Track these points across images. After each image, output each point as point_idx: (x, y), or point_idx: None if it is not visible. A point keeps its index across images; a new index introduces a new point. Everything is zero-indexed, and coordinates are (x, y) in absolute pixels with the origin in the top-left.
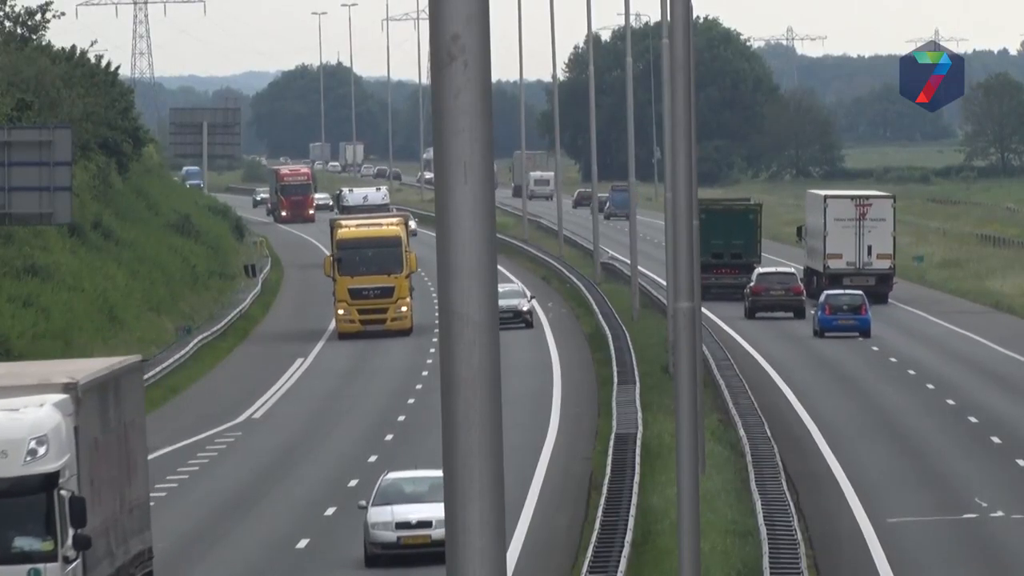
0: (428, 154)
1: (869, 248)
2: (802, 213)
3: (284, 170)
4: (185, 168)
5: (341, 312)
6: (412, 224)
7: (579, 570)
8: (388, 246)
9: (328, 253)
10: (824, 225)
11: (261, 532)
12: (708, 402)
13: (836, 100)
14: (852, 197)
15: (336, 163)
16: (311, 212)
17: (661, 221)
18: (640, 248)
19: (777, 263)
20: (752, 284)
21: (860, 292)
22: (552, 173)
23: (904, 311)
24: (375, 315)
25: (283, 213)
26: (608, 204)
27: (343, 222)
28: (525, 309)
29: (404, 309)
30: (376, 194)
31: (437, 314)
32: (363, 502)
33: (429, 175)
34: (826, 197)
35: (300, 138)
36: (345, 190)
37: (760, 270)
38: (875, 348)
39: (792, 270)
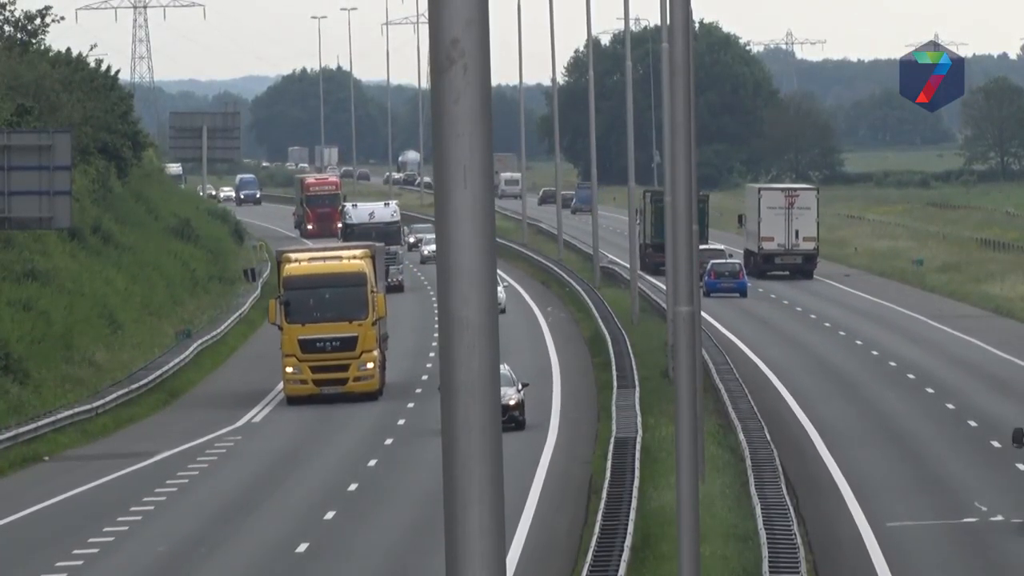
0: (403, 156)
1: (796, 232)
2: None
3: (310, 179)
4: (239, 176)
5: (290, 370)
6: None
7: (579, 574)
8: (350, 285)
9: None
10: (758, 212)
11: (261, 536)
12: (708, 406)
13: (836, 104)
14: (782, 189)
15: (305, 165)
16: (340, 226)
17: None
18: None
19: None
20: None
21: (739, 261)
22: (520, 174)
23: (902, 314)
24: (333, 374)
25: (309, 227)
26: (574, 200)
27: (292, 255)
28: (513, 403)
29: (370, 366)
30: (384, 210)
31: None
32: None
33: (397, 175)
34: (760, 189)
35: (300, 142)
36: (348, 205)
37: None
38: (875, 352)
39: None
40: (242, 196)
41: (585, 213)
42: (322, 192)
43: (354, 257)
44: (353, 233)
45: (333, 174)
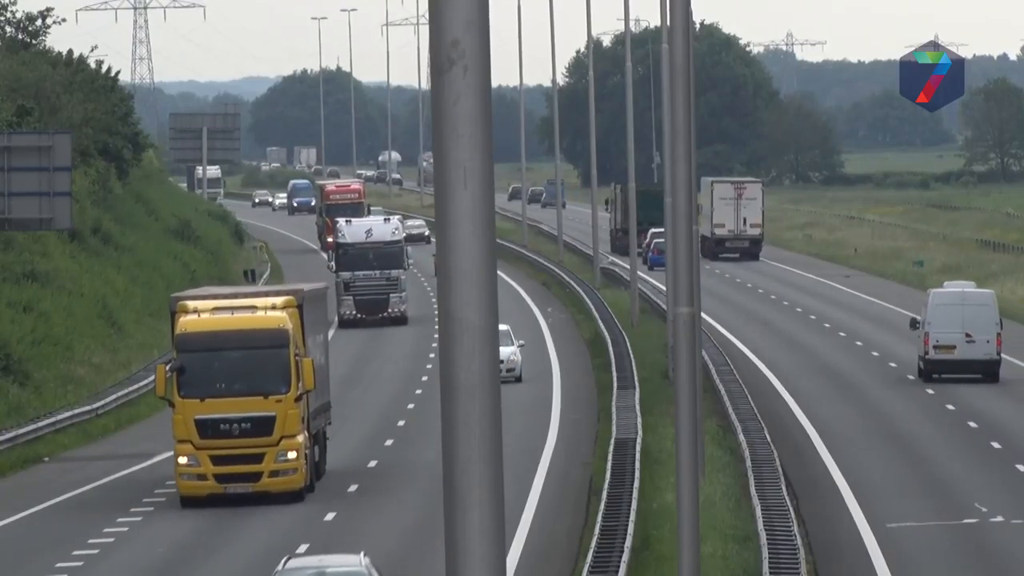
0: (383, 156)
1: (744, 219)
2: (801, 217)
3: (330, 186)
4: (292, 182)
5: (183, 461)
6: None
7: (579, 575)
8: (266, 346)
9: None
10: (712, 202)
11: (261, 537)
12: (708, 407)
13: (836, 105)
14: (732, 182)
15: (277, 164)
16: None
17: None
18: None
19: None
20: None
21: None
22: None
23: (903, 316)
24: (241, 466)
25: (329, 239)
26: (544, 195)
27: (189, 303)
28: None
29: (292, 456)
30: (384, 227)
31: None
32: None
33: (368, 173)
34: (713, 182)
35: (299, 143)
36: (341, 221)
37: (653, 230)
38: (875, 353)
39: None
40: (295, 204)
41: (553, 207)
42: (343, 201)
43: (273, 307)
44: (347, 254)
45: (355, 181)
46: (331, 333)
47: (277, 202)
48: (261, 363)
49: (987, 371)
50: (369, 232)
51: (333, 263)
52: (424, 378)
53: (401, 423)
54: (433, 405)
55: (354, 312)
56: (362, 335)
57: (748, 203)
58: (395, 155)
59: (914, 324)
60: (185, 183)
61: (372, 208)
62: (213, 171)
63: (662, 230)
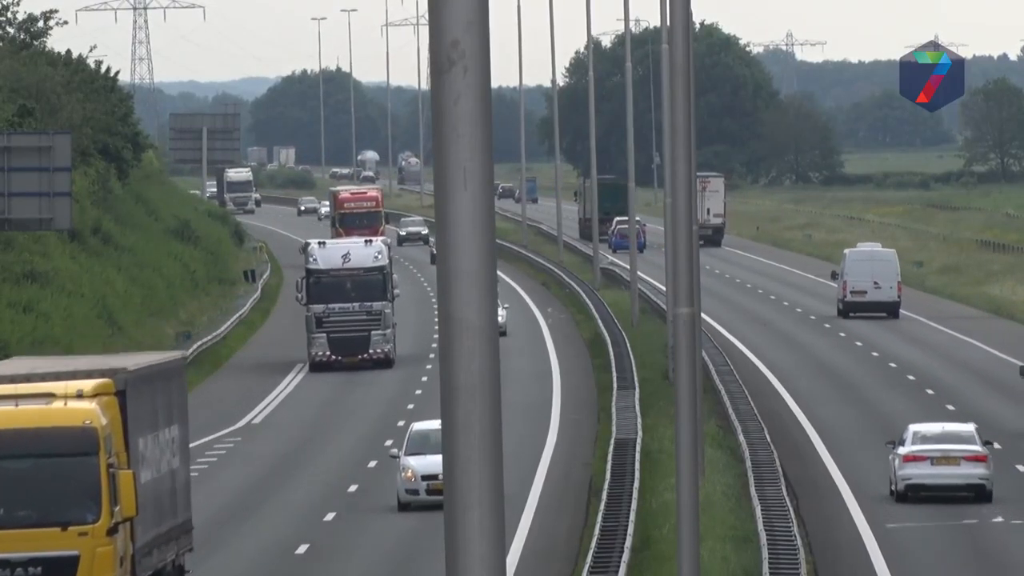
0: (362, 155)
1: (708, 210)
2: (801, 217)
3: (345, 193)
4: (332, 188)
5: None
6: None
7: (579, 575)
8: (62, 453)
9: None
10: None
11: (261, 537)
12: (708, 408)
13: (835, 105)
14: (697, 176)
15: (255, 163)
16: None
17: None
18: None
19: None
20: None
21: (639, 227)
22: None
23: (902, 316)
24: None
25: None
26: (518, 192)
27: None
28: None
29: None
30: (364, 250)
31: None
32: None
33: (343, 171)
34: None
35: (299, 144)
36: (313, 244)
37: (618, 219)
38: (875, 354)
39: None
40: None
41: (528, 202)
42: (358, 210)
43: (79, 395)
44: (319, 283)
45: (372, 187)
46: (299, 378)
47: (323, 210)
48: (57, 478)
49: (890, 310)
50: (346, 256)
51: (303, 293)
52: (424, 379)
53: (401, 423)
54: (433, 406)
55: (328, 353)
56: (334, 380)
57: (712, 195)
58: (372, 154)
59: (834, 276)
60: (199, 189)
61: (401, 217)
62: (243, 173)
63: (625, 218)
